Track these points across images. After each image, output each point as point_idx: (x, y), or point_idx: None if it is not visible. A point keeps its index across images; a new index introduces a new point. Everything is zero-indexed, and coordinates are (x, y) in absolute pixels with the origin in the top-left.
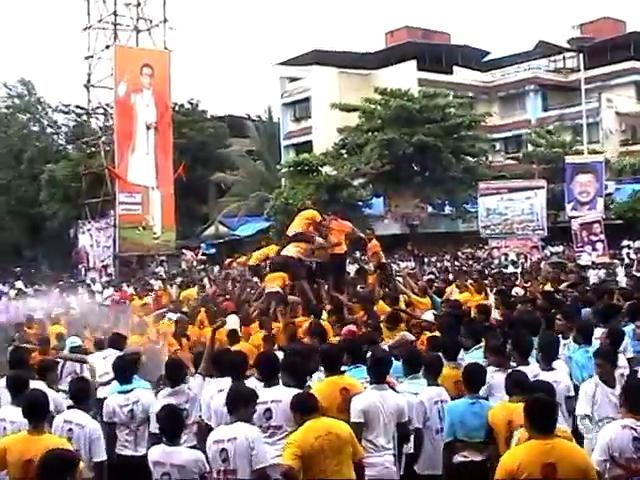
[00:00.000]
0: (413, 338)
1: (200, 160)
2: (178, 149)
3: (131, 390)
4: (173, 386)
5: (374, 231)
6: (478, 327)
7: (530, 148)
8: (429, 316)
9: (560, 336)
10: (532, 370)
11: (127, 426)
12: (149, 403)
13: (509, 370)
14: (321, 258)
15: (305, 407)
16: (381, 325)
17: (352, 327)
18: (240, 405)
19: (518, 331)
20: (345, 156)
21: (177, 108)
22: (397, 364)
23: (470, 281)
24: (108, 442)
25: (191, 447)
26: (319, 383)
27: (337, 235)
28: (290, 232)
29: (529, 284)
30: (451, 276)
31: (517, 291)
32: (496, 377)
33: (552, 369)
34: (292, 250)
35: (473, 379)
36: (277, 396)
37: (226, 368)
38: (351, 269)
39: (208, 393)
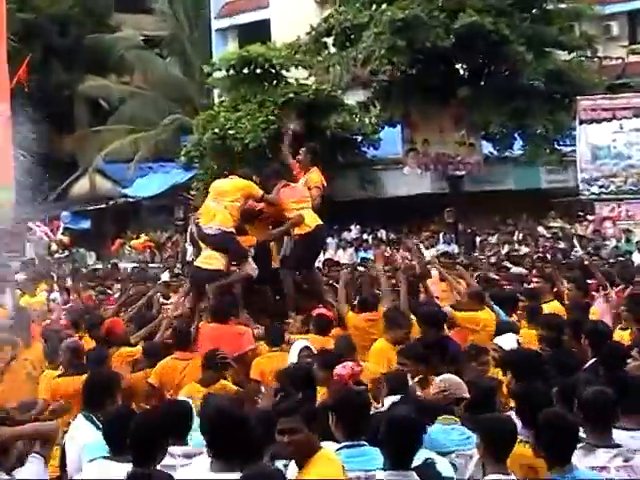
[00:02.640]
0: (465, 394)
1: (61, 54)
2: (17, 32)
3: None
4: None
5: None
6: (572, 358)
7: None
8: (509, 342)
9: None
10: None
11: None
12: None
13: None
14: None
15: None
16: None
17: (347, 366)
18: None
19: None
20: (331, 51)
21: None
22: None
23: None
24: None
25: None
26: None
27: (292, 206)
28: (208, 228)
29: None
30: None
31: None
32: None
33: None
34: (216, 262)
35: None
36: None
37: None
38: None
39: None
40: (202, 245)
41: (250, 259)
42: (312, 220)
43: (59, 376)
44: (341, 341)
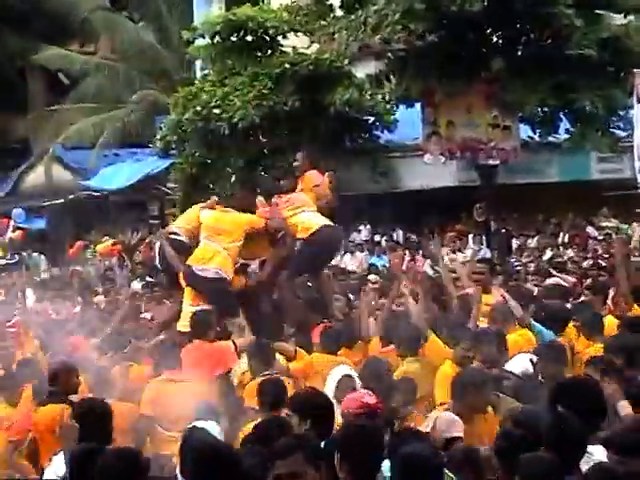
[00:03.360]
0: (455, 433)
1: (11, 18)
2: None
3: None
4: None
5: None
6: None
7: None
8: (521, 364)
9: None
10: None
11: None
12: None
13: None
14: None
15: None
16: None
17: (365, 395)
18: None
19: None
20: (337, 14)
21: None
22: None
23: None
24: None
25: None
26: None
27: (287, 213)
28: (204, 270)
29: None
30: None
31: None
32: None
33: None
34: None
35: None
36: None
37: None
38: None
39: None
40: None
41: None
42: (317, 220)
43: (41, 404)
44: (375, 364)
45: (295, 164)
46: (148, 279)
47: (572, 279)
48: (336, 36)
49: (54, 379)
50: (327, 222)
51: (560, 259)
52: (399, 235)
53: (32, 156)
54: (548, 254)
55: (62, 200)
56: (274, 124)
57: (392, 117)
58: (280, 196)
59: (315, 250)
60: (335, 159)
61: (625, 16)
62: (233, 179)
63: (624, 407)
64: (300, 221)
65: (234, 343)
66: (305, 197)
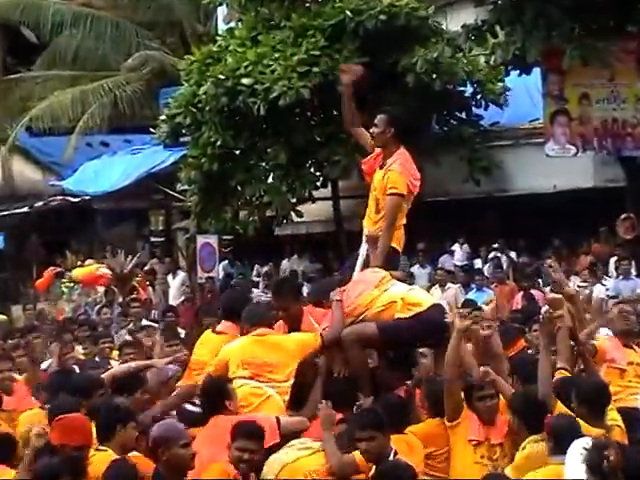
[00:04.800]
0: None
1: None
2: None
3: None
4: None
5: None
6: None
7: None
8: None
9: None
10: None
11: None
12: None
13: None
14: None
15: None
16: None
17: None
18: None
19: None
20: None
21: None
22: None
23: None
24: None
25: None
26: None
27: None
28: None
29: None
30: None
31: None
32: None
33: None
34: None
35: None
36: None
37: None
38: None
39: None
40: None
41: None
42: (423, 297)
43: None
44: None
45: (373, 131)
46: (145, 322)
47: None
48: None
49: (155, 452)
50: (434, 300)
51: None
52: (509, 258)
53: None
54: None
55: (27, 208)
56: (328, 100)
57: (499, 87)
58: (342, 290)
59: (419, 331)
60: (416, 149)
61: None
62: (270, 179)
63: None
64: (398, 297)
65: (278, 420)
66: (373, 273)
